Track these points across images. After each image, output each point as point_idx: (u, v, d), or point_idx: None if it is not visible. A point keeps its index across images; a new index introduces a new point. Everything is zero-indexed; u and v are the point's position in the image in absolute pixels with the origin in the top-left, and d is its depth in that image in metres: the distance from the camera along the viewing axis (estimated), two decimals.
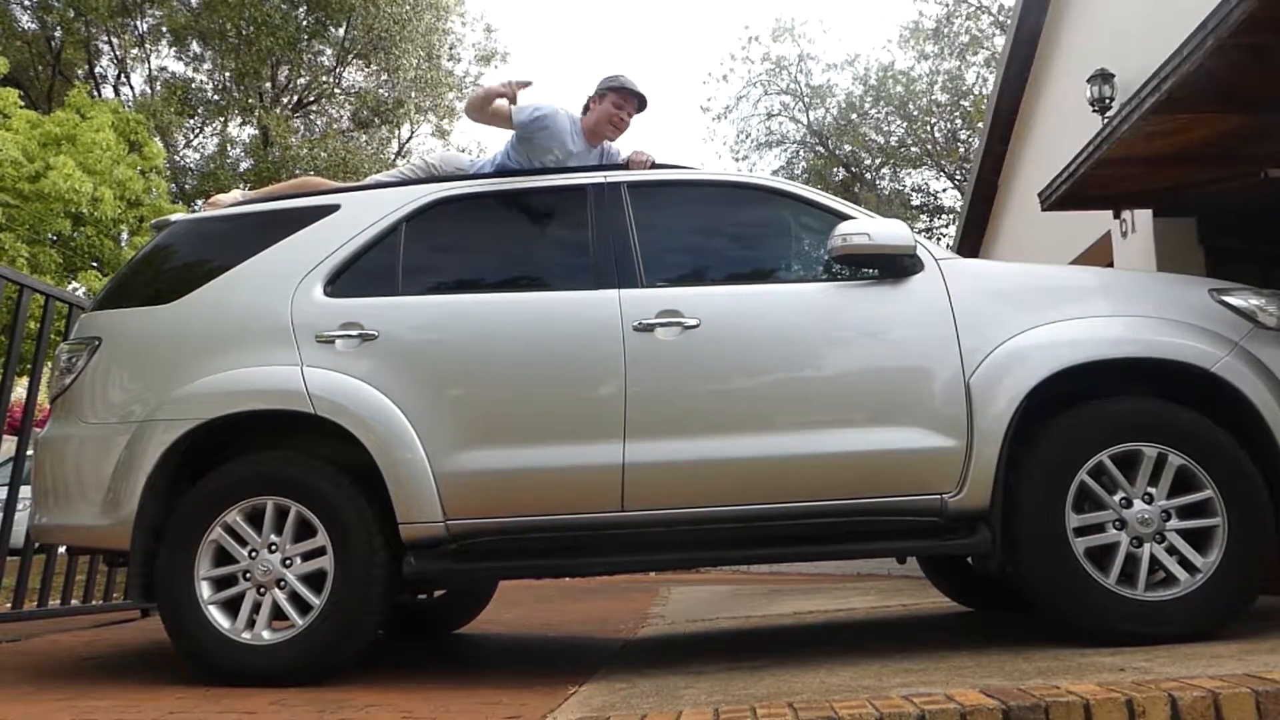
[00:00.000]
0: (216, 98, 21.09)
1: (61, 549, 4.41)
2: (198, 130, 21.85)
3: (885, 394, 3.07)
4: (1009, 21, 10.47)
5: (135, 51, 21.34)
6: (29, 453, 4.13)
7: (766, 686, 2.59)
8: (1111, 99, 6.90)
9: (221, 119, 21.49)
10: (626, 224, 3.35)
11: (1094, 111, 6.97)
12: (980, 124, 14.42)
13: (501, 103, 3.76)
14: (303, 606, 3.02)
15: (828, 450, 3.03)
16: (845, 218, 3.28)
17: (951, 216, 22.40)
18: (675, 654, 3.64)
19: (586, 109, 3.87)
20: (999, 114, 9.81)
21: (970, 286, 3.20)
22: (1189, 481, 2.98)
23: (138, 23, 20.69)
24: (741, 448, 3.04)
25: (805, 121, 23.70)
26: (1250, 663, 2.43)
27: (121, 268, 3.72)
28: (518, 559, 3.11)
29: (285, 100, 21.76)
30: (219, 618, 3.02)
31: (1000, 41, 16.96)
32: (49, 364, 3.88)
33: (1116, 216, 6.75)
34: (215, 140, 21.67)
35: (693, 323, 3.14)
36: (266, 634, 3.01)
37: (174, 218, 3.78)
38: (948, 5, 21.62)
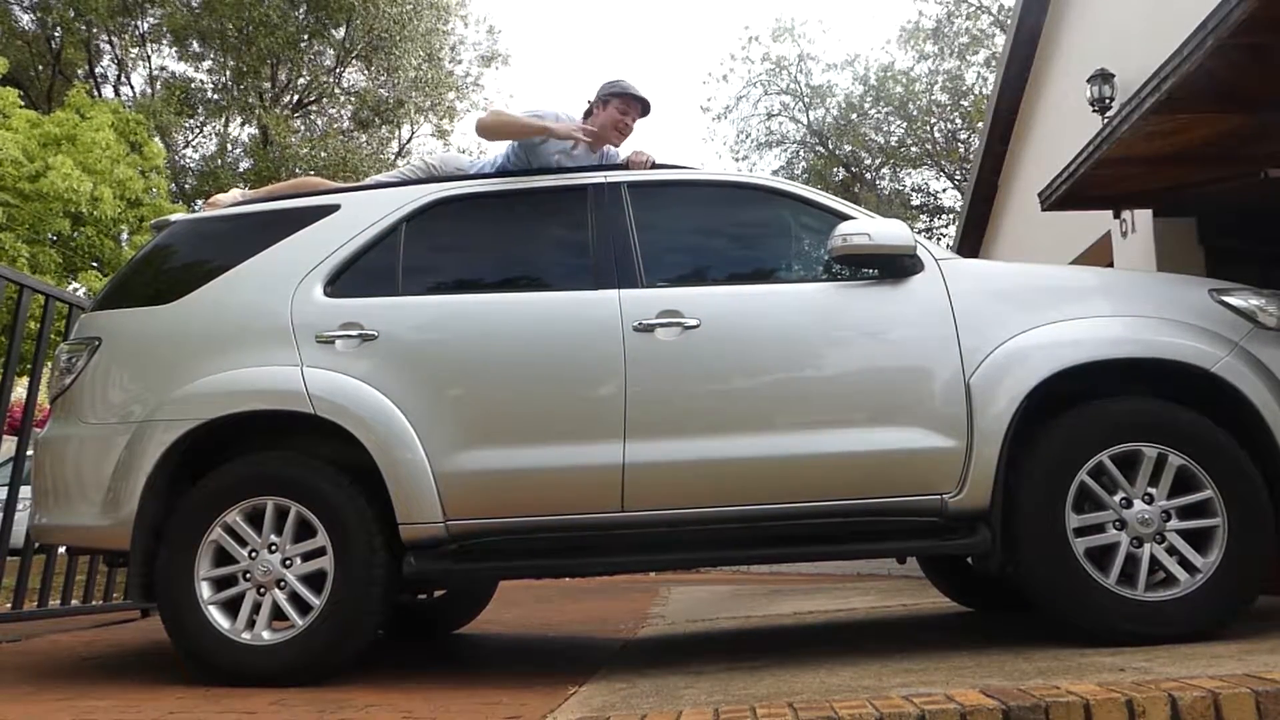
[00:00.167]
0: (216, 97, 21.11)
1: (61, 549, 4.42)
2: (197, 130, 21.87)
3: (885, 394, 3.07)
4: (1009, 21, 10.47)
5: (135, 51, 21.36)
6: (29, 453, 4.13)
7: (766, 686, 2.59)
8: (1111, 99, 6.90)
9: (222, 119, 21.50)
10: (626, 224, 3.35)
11: (1094, 111, 6.98)
12: (980, 124, 14.42)
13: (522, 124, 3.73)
14: (303, 607, 3.02)
15: (828, 450, 3.04)
16: (845, 218, 3.28)
17: (951, 216, 22.41)
18: (675, 654, 3.64)
19: (589, 114, 3.86)
20: (999, 114, 9.82)
21: (970, 286, 3.20)
22: (1189, 482, 2.98)
23: (138, 22, 20.70)
24: (742, 448, 3.04)
25: (805, 121, 23.71)
26: (1250, 663, 2.43)
27: (121, 268, 3.72)
28: (518, 559, 3.11)
29: (285, 100, 21.76)
30: (219, 618, 3.02)
31: (1000, 41, 16.96)
32: (49, 364, 3.88)
33: (1116, 216, 6.75)
34: (215, 140, 21.69)
35: (693, 323, 3.14)
36: (266, 634, 3.01)
37: (174, 218, 3.78)
38: (948, 5, 21.63)
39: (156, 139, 16.95)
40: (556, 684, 2.93)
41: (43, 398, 10.76)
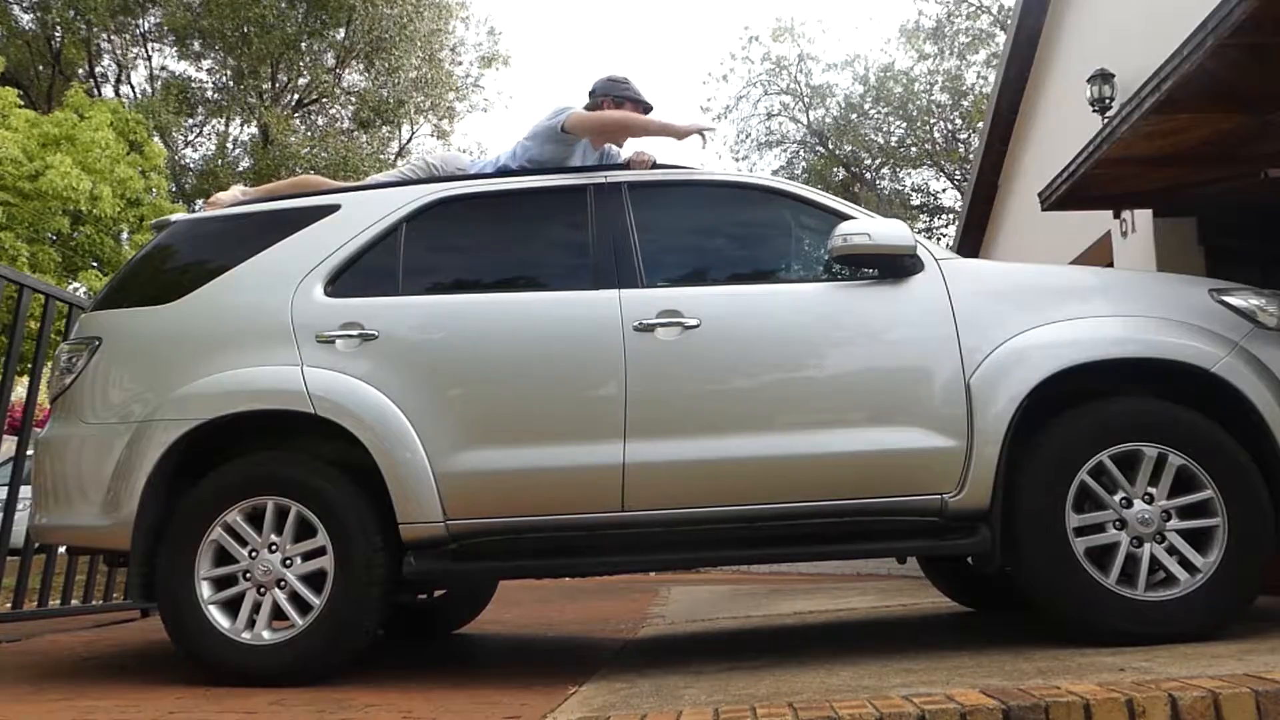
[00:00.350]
0: (216, 97, 21.11)
1: (61, 549, 4.41)
2: (197, 130, 21.88)
3: (885, 394, 3.08)
4: (1009, 21, 10.47)
5: (136, 51, 21.36)
6: (29, 453, 4.14)
7: (766, 686, 2.59)
8: (1111, 99, 6.90)
9: (222, 119, 21.50)
10: (627, 224, 3.35)
11: (1094, 111, 6.97)
12: (980, 124, 14.42)
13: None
14: (303, 606, 3.02)
15: (828, 450, 3.04)
16: (845, 218, 3.28)
17: (951, 216, 22.41)
18: (675, 654, 3.64)
19: (593, 109, 3.86)
20: (999, 114, 9.81)
21: (970, 286, 3.20)
22: (1189, 481, 2.98)
23: (139, 22, 20.70)
24: (742, 448, 3.04)
25: (805, 121, 23.72)
26: (1250, 663, 2.43)
27: (121, 268, 3.72)
28: (518, 559, 3.11)
29: (285, 99, 21.76)
30: (219, 618, 3.02)
31: (1000, 41, 16.96)
32: (49, 364, 3.88)
33: (1116, 216, 6.75)
34: (215, 139, 21.69)
35: (693, 323, 3.14)
36: (266, 634, 3.01)
37: (174, 218, 3.78)
38: (948, 5, 21.64)
39: (156, 139, 16.94)
40: (556, 684, 2.93)
41: (43, 398, 10.76)
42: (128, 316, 3.38)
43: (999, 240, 10.48)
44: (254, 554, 3.06)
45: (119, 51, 21.14)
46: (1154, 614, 2.87)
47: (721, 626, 4.58)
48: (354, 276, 3.33)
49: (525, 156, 3.76)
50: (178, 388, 3.18)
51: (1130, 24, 6.90)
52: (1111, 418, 3.02)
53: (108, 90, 20.70)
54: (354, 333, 3.20)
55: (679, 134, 3.72)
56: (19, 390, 13.29)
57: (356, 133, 22.25)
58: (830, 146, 23.51)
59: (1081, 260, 7.54)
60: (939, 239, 21.67)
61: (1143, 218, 6.44)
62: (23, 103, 14.52)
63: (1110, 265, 6.80)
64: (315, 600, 3.01)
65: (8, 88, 13.97)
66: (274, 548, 3.07)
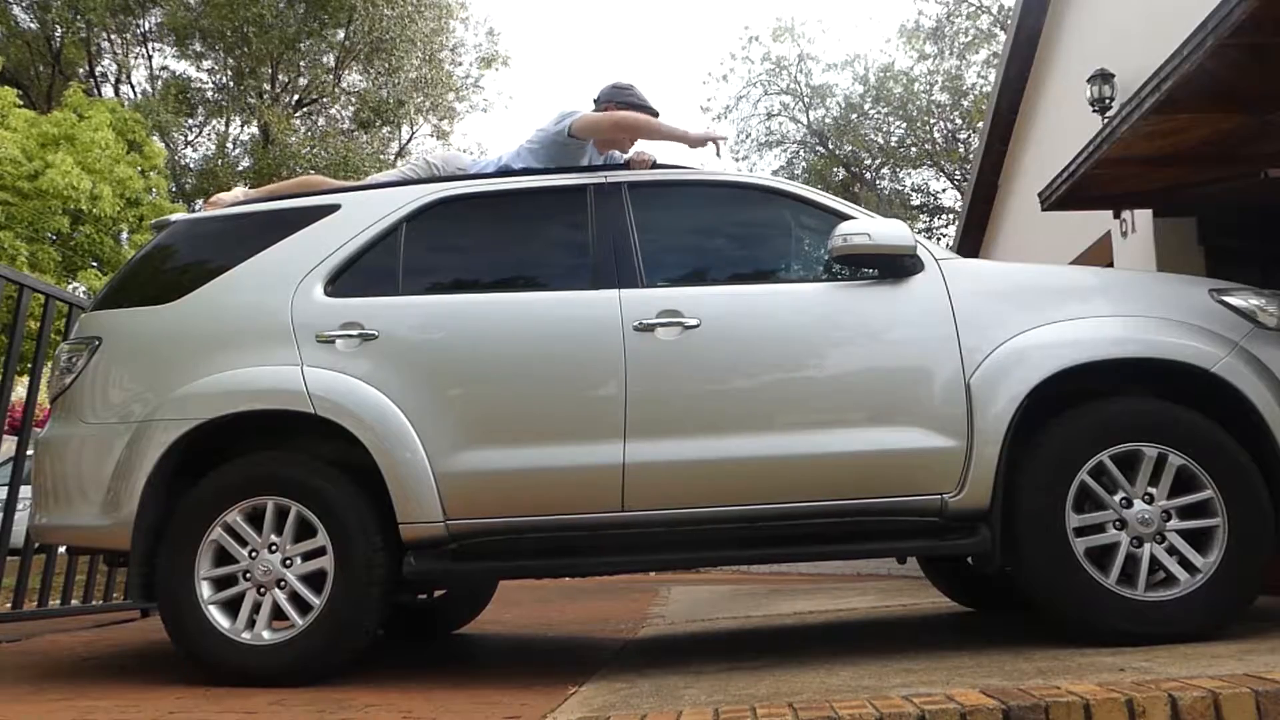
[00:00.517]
0: (216, 97, 21.10)
1: (61, 549, 4.41)
2: (198, 130, 21.87)
3: (885, 394, 3.07)
4: (1009, 21, 10.46)
5: (137, 50, 21.35)
6: (29, 453, 4.14)
7: (766, 686, 2.59)
8: (1111, 99, 6.90)
9: (222, 118, 21.50)
10: (627, 224, 3.35)
11: (1094, 111, 6.97)
12: (980, 124, 14.42)
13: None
14: (303, 606, 3.02)
15: (828, 450, 3.03)
16: (845, 218, 3.28)
17: (951, 216, 22.42)
18: (675, 654, 3.64)
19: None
20: (999, 114, 9.81)
21: (970, 286, 3.20)
22: (1189, 482, 2.98)
23: (140, 21, 20.69)
24: (742, 448, 3.04)
25: (805, 121, 23.72)
26: (1250, 663, 2.43)
27: (121, 267, 3.72)
28: (518, 559, 3.11)
29: (285, 99, 21.76)
30: (219, 618, 3.02)
31: (1000, 41, 16.96)
32: (49, 364, 3.88)
33: (1116, 216, 6.75)
34: (215, 139, 21.69)
35: (693, 323, 3.14)
36: (266, 634, 3.01)
37: (174, 217, 3.78)
38: (948, 5, 21.64)
39: (156, 138, 16.94)
40: (556, 684, 2.93)
41: (43, 397, 10.76)
42: (128, 316, 3.38)
43: (999, 240, 10.48)
44: (254, 554, 3.06)
45: (119, 51, 21.13)
46: (1154, 614, 2.87)
47: (721, 626, 4.58)
48: (354, 276, 3.33)
49: (530, 161, 3.75)
50: (178, 388, 3.18)
51: (1130, 24, 6.90)
52: (1111, 418, 3.02)
53: (108, 90, 20.70)
54: (354, 333, 3.19)
55: (692, 141, 3.71)
56: (19, 390, 13.28)
57: (356, 133, 22.26)
58: (830, 146, 23.52)
59: (1081, 260, 7.54)
60: (939, 239, 21.67)
61: (1143, 218, 6.44)
62: (22, 102, 14.51)
63: (1110, 265, 6.80)
64: (315, 600, 3.01)
65: (7, 87, 13.97)
66: (274, 548, 3.06)
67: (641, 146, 3.91)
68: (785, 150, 24.26)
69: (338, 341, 3.19)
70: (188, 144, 21.77)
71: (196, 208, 14.36)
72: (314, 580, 3.04)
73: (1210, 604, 2.89)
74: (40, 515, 3.28)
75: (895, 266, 3.20)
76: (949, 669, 2.65)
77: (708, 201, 3.53)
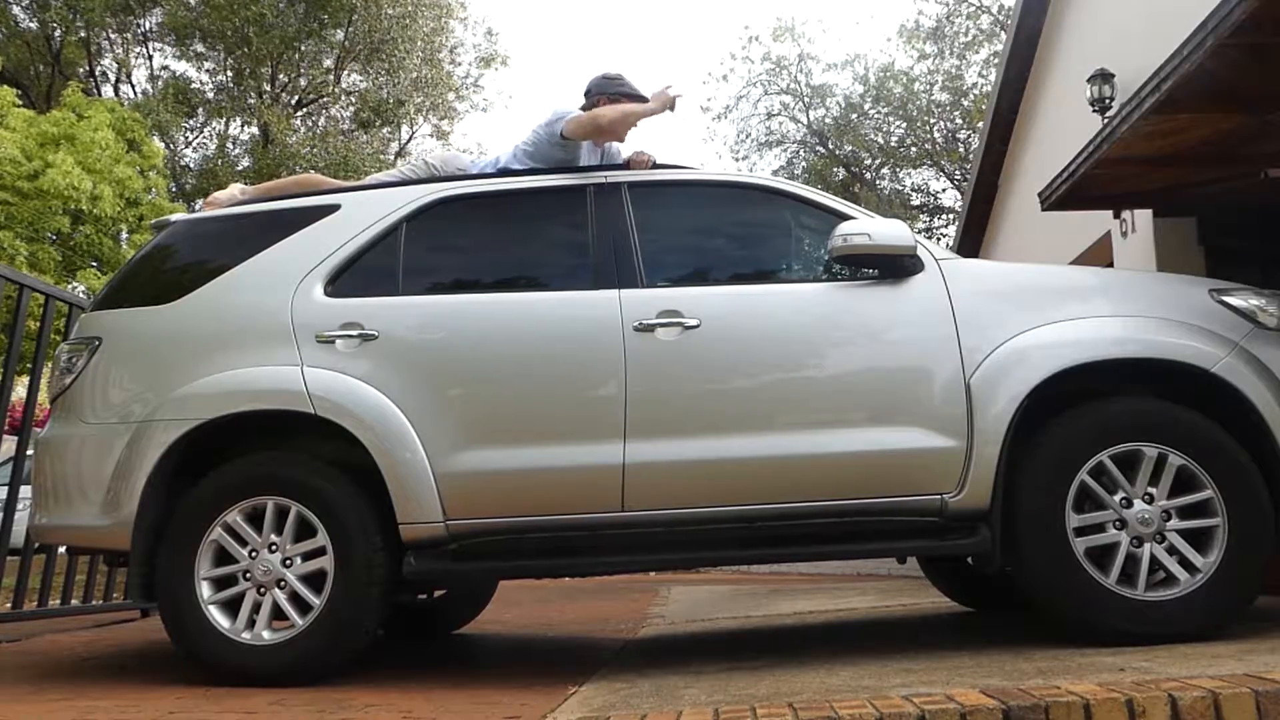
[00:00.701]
0: (217, 97, 21.10)
1: (61, 549, 4.41)
2: (198, 130, 21.87)
3: (885, 394, 3.07)
4: (1009, 21, 10.46)
5: (138, 50, 21.35)
6: (29, 453, 4.14)
7: (766, 686, 2.59)
8: (1111, 99, 6.90)
9: (222, 119, 21.50)
10: (627, 224, 3.35)
11: (1094, 111, 6.97)
12: (980, 124, 14.42)
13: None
14: (303, 606, 3.02)
15: (828, 450, 3.04)
16: (845, 218, 3.28)
17: (951, 216, 22.41)
18: (675, 654, 3.64)
19: (588, 108, 3.84)
20: (999, 114, 9.81)
21: (970, 286, 3.20)
22: (1189, 482, 2.98)
23: (141, 21, 20.69)
24: (742, 448, 3.04)
25: (805, 121, 23.72)
26: (1250, 663, 2.43)
27: (121, 268, 3.72)
28: (518, 559, 3.11)
29: (285, 99, 21.76)
30: (219, 618, 3.02)
31: (1001, 41, 16.96)
32: (49, 364, 3.88)
33: (1116, 216, 6.74)
34: (215, 139, 21.69)
35: (693, 323, 3.14)
36: (266, 634, 3.01)
37: (174, 218, 3.78)
38: (948, 5, 21.63)
39: (156, 138, 16.94)
40: (556, 684, 2.93)
41: (43, 397, 10.76)
42: (128, 316, 3.38)
43: (999, 240, 10.48)
44: (254, 554, 3.06)
45: (119, 51, 21.13)
46: (1154, 614, 2.87)
47: (721, 626, 4.58)
48: (354, 276, 3.33)
49: (526, 163, 3.74)
50: (178, 388, 3.18)
51: (1130, 24, 6.90)
52: (1111, 418, 3.02)
53: (108, 90, 20.70)
54: (354, 333, 3.19)
55: (657, 110, 3.67)
56: (19, 390, 13.28)
57: (356, 133, 22.25)
58: (830, 146, 23.51)
59: (1081, 260, 7.54)
60: (939, 239, 21.67)
61: (1143, 218, 6.44)
62: (21, 102, 14.51)
63: (1110, 265, 6.80)
64: (315, 600, 3.01)
65: (6, 87, 13.97)
66: (274, 548, 3.07)
67: (638, 143, 3.91)
68: (785, 150, 24.26)
69: (338, 342, 3.19)
70: (188, 145, 21.80)
71: (196, 208, 14.36)
72: (314, 580, 3.04)
73: (1210, 604, 2.89)
74: (40, 515, 3.28)
75: (895, 266, 3.20)
76: (949, 669, 2.65)
77: (708, 201, 3.53)
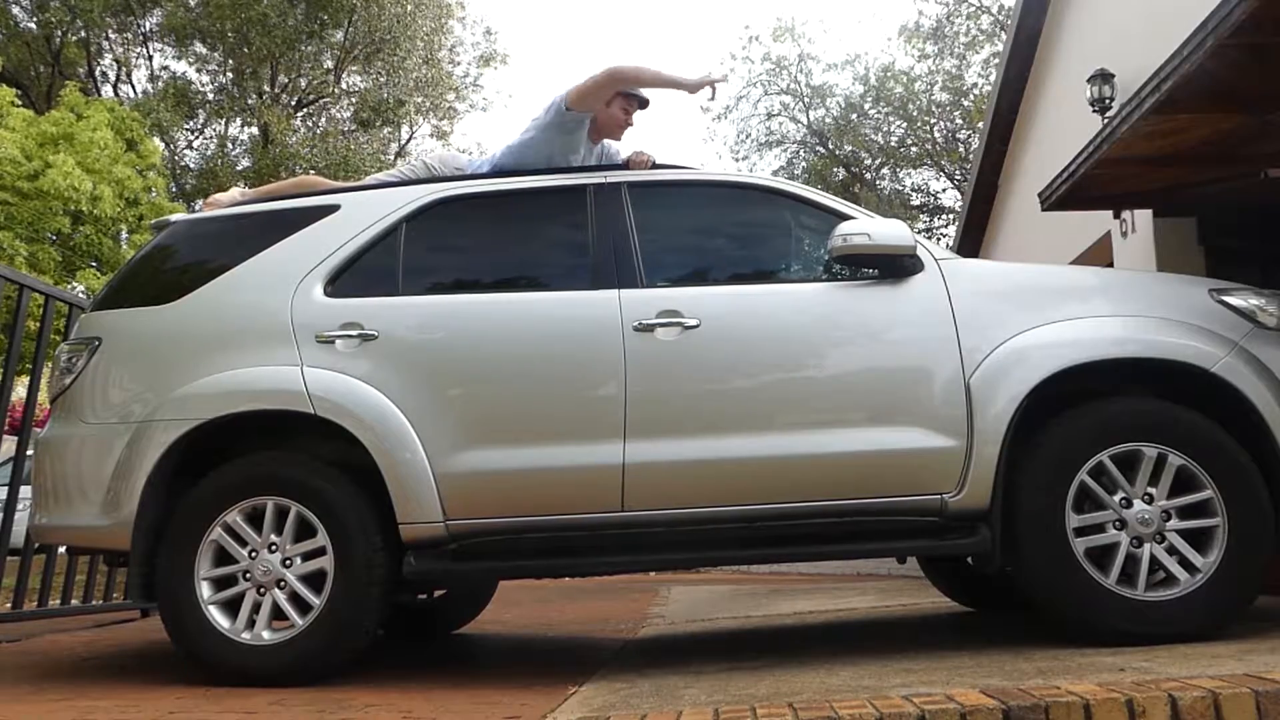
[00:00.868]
0: (217, 97, 21.10)
1: (61, 549, 4.41)
2: (198, 130, 21.87)
3: (885, 394, 3.07)
4: (1009, 21, 10.46)
5: (138, 50, 21.35)
6: (29, 453, 4.14)
7: (766, 686, 2.59)
8: (1111, 99, 6.90)
9: (222, 118, 21.50)
10: (626, 224, 3.35)
11: (1094, 111, 6.97)
12: (980, 124, 14.42)
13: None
14: (303, 606, 3.02)
15: (828, 450, 3.03)
16: (845, 218, 3.28)
17: (951, 216, 22.42)
18: (675, 654, 3.64)
19: None
20: (999, 114, 9.81)
21: (970, 286, 3.20)
22: (1189, 482, 2.98)
23: (140, 21, 20.69)
24: (742, 448, 3.04)
25: (805, 121, 23.72)
26: (1250, 663, 2.43)
27: (121, 268, 3.72)
28: (518, 559, 3.11)
29: (285, 99, 21.76)
30: (219, 618, 3.02)
31: (1001, 41, 16.95)
32: (49, 364, 3.88)
33: (1116, 216, 6.74)
34: (215, 139, 21.69)
35: (693, 323, 3.14)
36: (266, 634, 3.01)
37: (174, 218, 3.78)
38: (948, 5, 21.64)
39: (154, 138, 16.94)
40: (556, 684, 2.93)
41: (43, 398, 10.76)
42: (128, 317, 3.38)
43: (999, 240, 10.48)
44: (254, 554, 3.06)
45: (119, 51, 21.13)
46: (1154, 614, 2.87)
47: (721, 626, 4.58)
48: (354, 277, 3.33)
49: (530, 151, 3.72)
50: (178, 388, 3.18)
51: (1130, 24, 6.90)
52: (1111, 418, 3.02)
53: (108, 90, 20.69)
54: (354, 333, 3.19)
55: (690, 87, 3.70)
56: (19, 390, 13.29)
57: (356, 133, 22.26)
58: (830, 146, 23.52)
59: (1081, 260, 7.54)
60: (939, 239, 21.67)
61: (1143, 218, 6.44)
62: (20, 102, 14.51)
63: (1110, 265, 6.80)
64: (315, 600, 3.01)
65: (6, 87, 13.97)
66: (274, 548, 3.06)
67: (635, 137, 3.91)
68: (785, 150, 24.27)
69: (337, 342, 3.19)
70: (189, 145, 21.79)
71: (196, 208, 14.36)
72: (314, 580, 3.04)
73: (1210, 604, 2.89)
74: (40, 515, 3.28)
75: (895, 266, 3.20)
76: (949, 669, 2.65)
77: (707, 201, 3.53)
